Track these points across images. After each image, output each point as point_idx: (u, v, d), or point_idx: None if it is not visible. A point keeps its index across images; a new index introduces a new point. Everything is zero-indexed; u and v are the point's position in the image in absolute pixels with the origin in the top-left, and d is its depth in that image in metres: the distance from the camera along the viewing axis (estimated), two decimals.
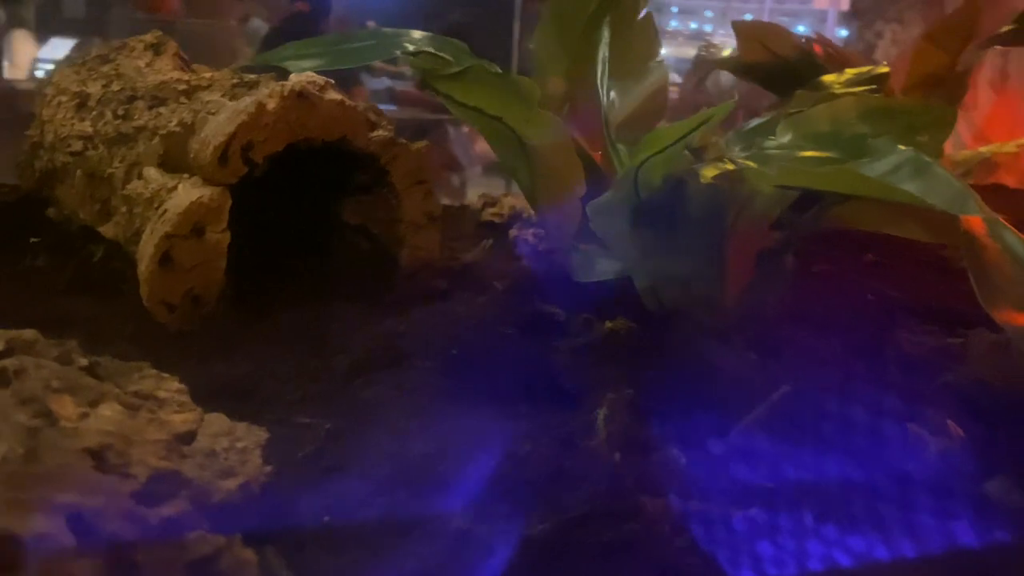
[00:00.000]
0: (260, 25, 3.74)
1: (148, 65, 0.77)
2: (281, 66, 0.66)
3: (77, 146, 0.72)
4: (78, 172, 0.71)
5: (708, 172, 0.53)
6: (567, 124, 0.63)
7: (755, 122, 0.70)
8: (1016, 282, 0.45)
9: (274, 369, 0.55)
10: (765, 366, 0.57)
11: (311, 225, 0.70)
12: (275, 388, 0.53)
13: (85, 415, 0.39)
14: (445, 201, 0.82)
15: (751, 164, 0.53)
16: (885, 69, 0.80)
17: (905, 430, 0.51)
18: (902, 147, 0.52)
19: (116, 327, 0.63)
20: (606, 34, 0.70)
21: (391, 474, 0.46)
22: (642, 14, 0.71)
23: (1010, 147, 1.14)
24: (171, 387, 0.45)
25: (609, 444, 0.47)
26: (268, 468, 0.41)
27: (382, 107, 0.84)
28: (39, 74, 3.79)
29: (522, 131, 0.59)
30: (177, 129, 0.61)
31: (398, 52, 0.65)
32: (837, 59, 0.96)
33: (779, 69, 0.97)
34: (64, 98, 0.77)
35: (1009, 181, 1.24)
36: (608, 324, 0.62)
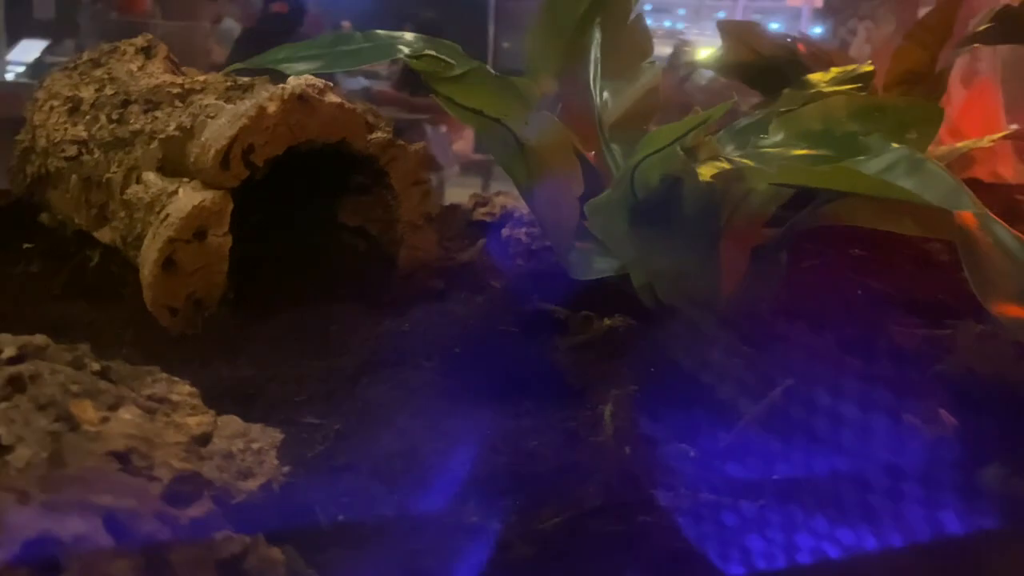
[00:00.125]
0: (233, 26, 3.72)
1: (140, 69, 0.77)
2: (276, 68, 0.66)
3: (71, 151, 0.72)
4: (73, 177, 0.71)
5: (706, 171, 0.55)
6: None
7: (745, 121, 0.71)
8: (1008, 275, 0.46)
9: (278, 371, 0.56)
10: (763, 361, 0.58)
11: (308, 226, 0.71)
12: (281, 390, 0.54)
13: (106, 419, 0.40)
14: None
15: (748, 163, 0.54)
16: (870, 67, 0.82)
17: (900, 420, 0.52)
18: (895, 145, 0.53)
19: (116, 332, 0.64)
20: (597, 35, 0.71)
21: (402, 472, 0.47)
22: (633, 15, 0.72)
23: (985, 143, 1.16)
24: (183, 390, 0.46)
25: (617, 439, 0.48)
26: (285, 468, 0.41)
27: None
28: (9, 77, 3.75)
29: (520, 132, 0.59)
30: (176, 133, 0.61)
31: (394, 54, 0.65)
32: (820, 58, 0.98)
33: (763, 68, 0.98)
34: (56, 103, 0.77)
35: (983, 176, 1.26)
36: (607, 321, 0.63)
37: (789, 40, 0.98)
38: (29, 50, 3.79)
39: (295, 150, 0.63)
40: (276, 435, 0.43)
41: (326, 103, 0.60)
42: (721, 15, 4.39)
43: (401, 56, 0.61)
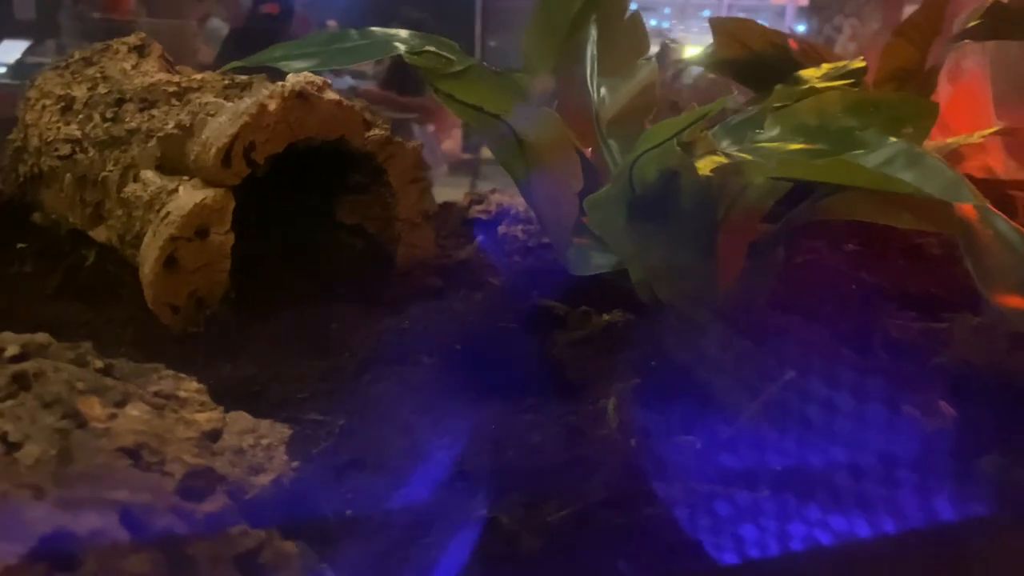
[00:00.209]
0: (219, 26, 3.71)
1: (134, 67, 0.77)
2: (274, 66, 0.66)
3: (65, 150, 0.72)
4: (67, 176, 0.71)
5: (705, 165, 0.55)
6: None
7: (740, 117, 0.72)
8: (1010, 267, 0.47)
9: (280, 369, 0.56)
10: (761, 355, 0.58)
11: (305, 225, 0.70)
12: (283, 387, 0.54)
13: (113, 416, 0.40)
14: None
15: (747, 156, 0.54)
16: (862, 63, 0.82)
17: (900, 412, 0.53)
18: (893, 139, 0.54)
19: (115, 332, 0.63)
20: (593, 32, 0.71)
21: (408, 467, 0.47)
22: (629, 13, 0.72)
23: (975, 138, 1.17)
24: (190, 387, 0.46)
25: (622, 432, 0.48)
26: (295, 464, 0.41)
27: None
28: None
29: (520, 129, 0.59)
30: (175, 131, 0.61)
31: (391, 52, 0.65)
32: (811, 55, 0.98)
33: (754, 64, 0.98)
34: (48, 101, 0.77)
35: (974, 171, 1.27)
36: (605, 317, 0.63)
37: (780, 37, 0.98)
38: (10, 51, 3.76)
39: (292, 148, 0.63)
40: (284, 431, 0.43)
41: (325, 100, 0.60)
42: (706, 13, 4.41)
43: (400, 53, 0.61)
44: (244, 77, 0.71)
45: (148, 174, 0.61)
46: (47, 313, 0.67)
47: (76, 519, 0.29)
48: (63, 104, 0.75)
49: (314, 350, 0.58)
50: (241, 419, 0.43)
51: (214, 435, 0.41)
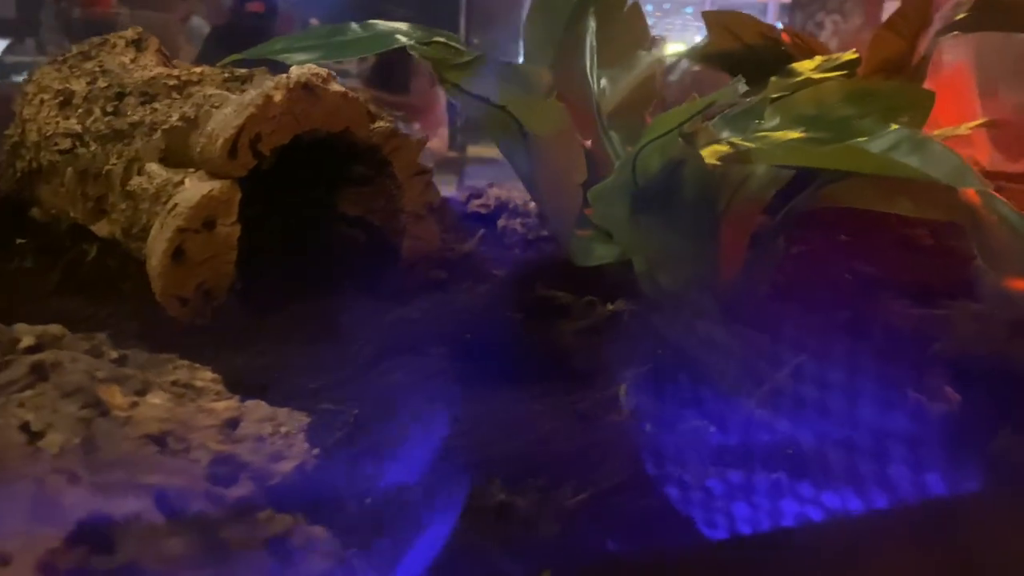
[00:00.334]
0: (201, 24, 3.68)
1: (133, 61, 0.77)
2: (275, 60, 0.66)
3: (65, 144, 0.71)
4: (68, 170, 0.70)
5: (712, 153, 0.55)
6: None
7: (738, 108, 0.72)
8: (1016, 252, 0.47)
9: (291, 360, 0.56)
10: (767, 341, 0.59)
11: (307, 218, 0.71)
12: (295, 378, 0.54)
13: (135, 404, 0.40)
14: None
15: (753, 145, 0.55)
16: (855, 55, 0.83)
17: (906, 396, 0.54)
18: (895, 126, 0.55)
19: (120, 325, 0.63)
20: (592, 24, 0.71)
21: (423, 455, 0.47)
22: (629, 4, 0.72)
23: (962, 130, 1.18)
24: (206, 376, 0.46)
25: (634, 417, 0.49)
26: (316, 451, 0.42)
27: None
28: None
29: (525, 120, 0.60)
30: (179, 124, 0.61)
31: (393, 44, 0.66)
32: (803, 47, 0.99)
33: (748, 57, 0.99)
34: (46, 96, 0.76)
35: None
36: (610, 307, 0.63)
37: (773, 30, 0.99)
38: None
39: (295, 141, 0.63)
40: (303, 419, 0.43)
41: (330, 92, 0.61)
42: (689, 11, 4.43)
43: (404, 44, 0.61)
44: (244, 70, 0.71)
45: (153, 167, 0.61)
46: (50, 309, 0.67)
47: (113, 503, 0.29)
48: (62, 98, 0.75)
49: (323, 341, 0.58)
50: (258, 408, 0.44)
51: (233, 423, 0.42)
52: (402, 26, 0.68)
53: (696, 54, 1.08)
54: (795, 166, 0.59)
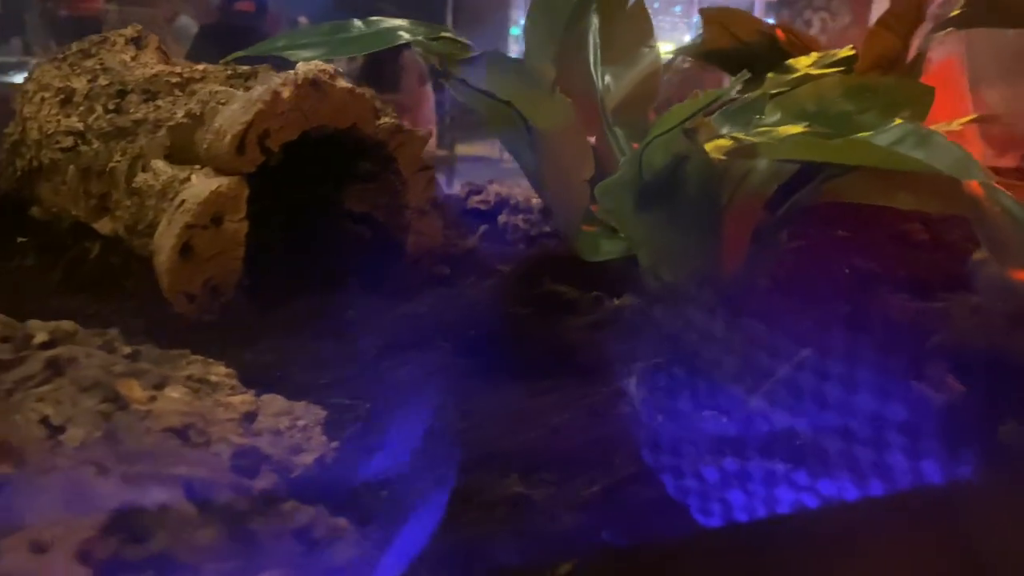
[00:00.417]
0: (188, 23, 3.67)
1: (133, 59, 0.77)
2: (279, 56, 0.66)
3: (67, 142, 0.71)
4: (70, 168, 0.70)
5: (717, 148, 0.56)
6: None
7: (737, 104, 0.73)
8: (1018, 242, 0.48)
9: (300, 355, 0.56)
10: (771, 334, 0.60)
11: (311, 214, 0.71)
12: (306, 373, 0.54)
13: (153, 398, 0.40)
14: None
15: (759, 139, 0.55)
16: (852, 51, 0.84)
17: (910, 387, 0.54)
18: (898, 120, 0.55)
19: (126, 322, 0.63)
20: (595, 21, 0.72)
21: (437, 448, 0.47)
22: (632, 1, 0.73)
23: (954, 126, 1.19)
24: (220, 371, 0.46)
25: (645, 409, 0.49)
26: (334, 444, 0.42)
27: None
28: None
29: (531, 116, 0.60)
30: (185, 120, 0.61)
31: (396, 41, 0.66)
32: (798, 44, 1.00)
33: (743, 54, 1.00)
34: (47, 94, 0.76)
35: None
36: (616, 301, 0.64)
37: (768, 27, 1.00)
38: None
39: (303, 137, 0.63)
40: (320, 412, 0.44)
41: (337, 88, 0.61)
42: (678, 9, 4.43)
43: (409, 40, 0.61)
44: (247, 67, 0.72)
45: (159, 163, 0.61)
46: (53, 307, 0.67)
47: (144, 493, 0.29)
48: (63, 96, 0.75)
49: (332, 336, 0.58)
50: (274, 402, 0.44)
51: (250, 417, 0.42)
52: (404, 23, 0.69)
53: (691, 51, 1.08)
54: (798, 161, 0.59)
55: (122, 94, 0.71)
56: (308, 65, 0.60)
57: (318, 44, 0.66)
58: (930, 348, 0.62)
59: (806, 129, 0.60)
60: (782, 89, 0.71)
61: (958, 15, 0.98)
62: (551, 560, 0.39)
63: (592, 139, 0.71)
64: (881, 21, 1.07)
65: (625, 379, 0.53)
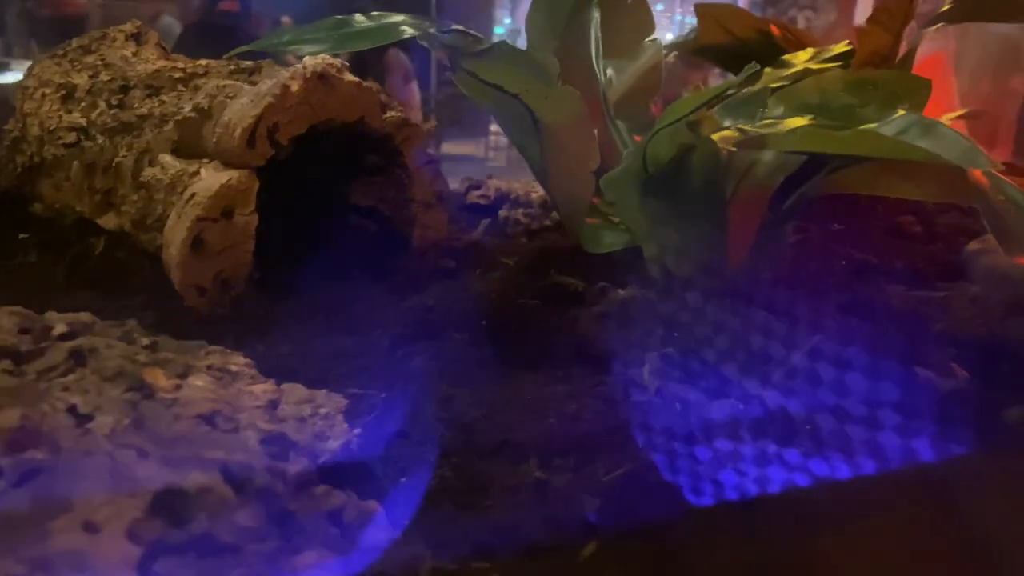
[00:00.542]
0: (171, 23, 3.65)
1: (134, 54, 0.77)
2: (283, 51, 0.66)
3: (70, 138, 0.71)
4: (74, 164, 0.70)
5: (725, 139, 0.56)
6: None
7: (736, 98, 0.74)
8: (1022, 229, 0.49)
9: (313, 347, 0.56)
10: (778, 324, 0.60)
11: (319, 208, 0.71)
12: (320, 364, 0.54)
13: (178, 386, 0.40)
14: None
15: (767, 131, 0.56)
16: (848, 46, 0.85)
17: (916, 374, 0.55)
18: (901, 111, 0.56)
19: (136, 317, 0.63)
20: (596, 14, 0.72)
21: (455, 437, 0.48)
22: None
23: (944, 121, 1.20)
24: (239, 361, 0.46)
25: (660, 397, 0.50)
26: (356, 431, 0.42)
27: None
28: None
29: (538, 109, 0.61)
30: (192, 115, 0.61)
31: (400, 35, 0.66)
32: (793, 40, 1.01)
33: (739, 50, 1.01)
34: (48, 90, 0.76)
35: None
36: (621, 292, 0.64)
37: (763, 23, 1.00)
38: None
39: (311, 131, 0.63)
40: (340, 401, 0.44)
41: (345, 82, 0.61)
42: (659, 7, 4.45)
43: (413, 34, 0.61)
44: (249, 63, 0.72)
45: (166, 158, 0.61)
46: (59, 303, 0.66)
47: (184, 476, 0.30)
48: (64, 92, 0.75)
49: (343, 328, 0.58)
50: (296, 390, 0.44)
51: (274, 405, 0.42)
52: (407, 18, 0.69)
53: (685, 47, 1.09)
54: (805, 152, 0.60)
55: (125, 89, 0.71)
56: (315, 59, 0.60)
57: (322, 39, 0.66)
58: (931, 335, 0.63)
59: (812, 121, 0.61)
60: (782, 83, 0.72)
61: (948, 10, 1.00)
62: (575, 543, 0.40)
63: (594, 132, 0.71)
64: (872, 18, 1.08)
65: (637, 368, 0.53)
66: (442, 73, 4.23)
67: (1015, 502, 0.46)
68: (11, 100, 0.82)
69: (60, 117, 0.73)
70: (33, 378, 0.40)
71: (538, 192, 0.87)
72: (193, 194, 0.57)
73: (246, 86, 0.61)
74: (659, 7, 4.45)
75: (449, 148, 3.79)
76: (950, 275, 0.77)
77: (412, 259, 0.68)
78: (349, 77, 0.62)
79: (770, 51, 0.98)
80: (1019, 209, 0.50)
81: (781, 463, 0.44)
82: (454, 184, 0.94)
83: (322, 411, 0.43)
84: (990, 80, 1.41)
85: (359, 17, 0.70)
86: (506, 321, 0.61)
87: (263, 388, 0.43)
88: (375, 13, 0.70)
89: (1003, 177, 0.54)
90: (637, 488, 0.43)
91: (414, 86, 3.40)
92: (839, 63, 0.84)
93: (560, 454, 0.46)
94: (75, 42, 0.80)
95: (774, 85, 0.72)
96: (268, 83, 0.59)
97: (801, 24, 2.80)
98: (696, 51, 1.06)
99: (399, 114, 0.65)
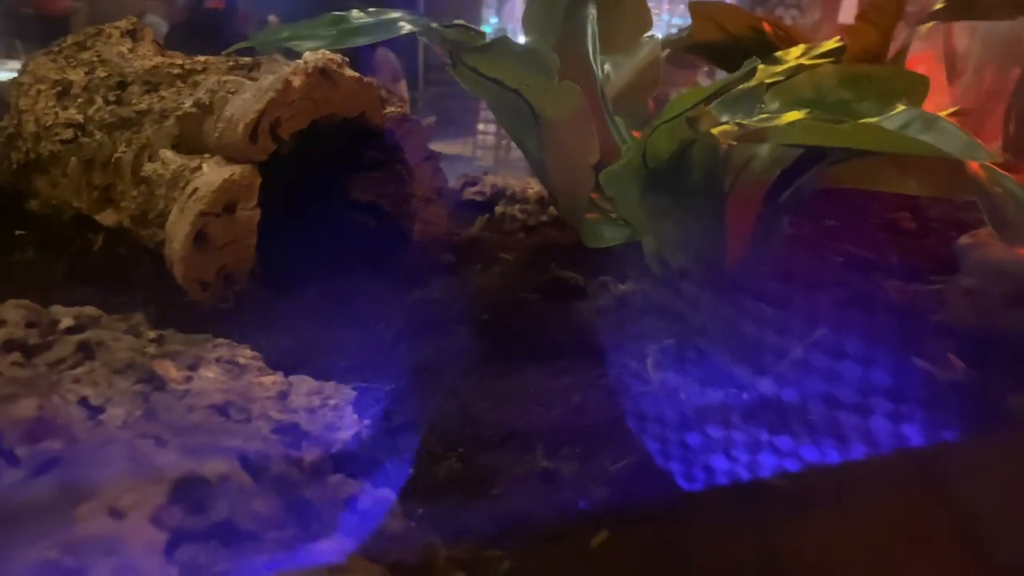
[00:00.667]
0: (157, 22, 3.64)
1: (131, 50, 0.76)
2: (282, 47, 0.66)
3: (67, 134, 0.71)
4: (72, 160, 0.70)
5: (725, 133, 0.57)
6: None
7: (732, 93, 0.74)
8: (1021, 222, 0.50)
9: (318, 341, 0.56)
10: (779, 317, 0.61)
11: (319, 204, 0.71)
12: (326, 357, 0.54)
13: (189, 378, 0.40)
14: None
15: (766, 125, 0.56)
16: (840, 43, 0.85)
17: (915, 365, 0.56)
18: (900, 106, 0.56)
19: (137, 312, 0.63)
20: (593, 11, 0.73)
21: (460, 428, 0.48)
22: None
23: None
24: (246, 354, 0.46)
25: (665, 387, 0.50)
26: (366, 422, 0.42)
27: None
28: None
29: (538, 104, 0.61)
30: (193, 110, 0.61)
31: (399, 31, 0.66)
32: (785, 37, 1.02)
33: (732, 47, 1.01)
34: (43, 87, 0.76)
35: None
36: (622, 286, 0.65)
37: (756, 20, 1.01)
38: None
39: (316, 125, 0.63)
40: (348, 392, 0.44)
41: (347, 77, 0.61)
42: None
43: (411, 30, 0.62)
44: (248, 59, 0.72)
45: (167, 153, 0.61)
46: (60, 299, 0.66)
47: (203, 464, 0.30)
48: (59, 89, 0.75)
49: (347, 322, 0.58)
50: (305, 382, 0.44)
51: (284, 396, 0.42)
52: (405, 14, 0.69)
53: (679, 44, 1.10)
54: (802, 146, 0.60)
55: (122, 85, 0.71)
56: (316, 54, 0.60)
57: (321, 35, 0.66)
58: (929, 327, 0.64)
59: (809, 115, 0.62)
60: (776, 79, 0.72)
61: (941, 9, 1.01)
62: (586, 531, 0.40)
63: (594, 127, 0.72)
64: (862, 16, 1.09)
65: (639, 360, 0.54)
66: (429, 72, 4.23)
67: (1013, 488, 0.47)
68: (4, 97, 0.81)
69: (56, 113, 0.73)
70: (43, 371, 0.40)
71: (534, 188, 0.87)
72: (195, 189, 0.57)
73: (247, 82, 0.61)
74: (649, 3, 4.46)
75: (437, 147, 3.79)
76: (944, 269, 0.78)
77: (412, 254, 0.68)
78: (350, 73, 0.62)
79: (763, 48, 0.99)
80: (1017, 201, 0.51)
81: (772, 449, 0.45)
82: (450, 181, 0.94)
83: (331, 402, 0.43)
84: (993, 75, 1.42)
85: (356, 13, 0.70)
86: (508, 315, 0.61)
87: (272, 380, 0.43)
88: (372, 9, 0.70)
89: (1001, 170, 0.54)
90: (644, 476, 0.44)
91: (403, 85, 3.40)
92: (831, 59, 0.85)
93: (566, 444, 0.47)
94: (70, 39, 0.80)
95: (769, 81, 0.72)
96: (270, 78, 0.59)
97: (788, 23, 2.81)
98: (689, 48, 1.07)
99: (399, 110, 0.65)
